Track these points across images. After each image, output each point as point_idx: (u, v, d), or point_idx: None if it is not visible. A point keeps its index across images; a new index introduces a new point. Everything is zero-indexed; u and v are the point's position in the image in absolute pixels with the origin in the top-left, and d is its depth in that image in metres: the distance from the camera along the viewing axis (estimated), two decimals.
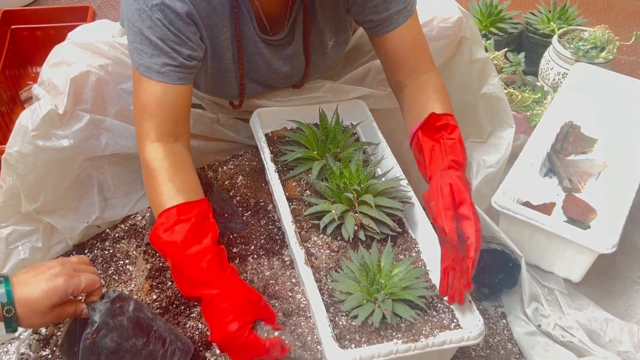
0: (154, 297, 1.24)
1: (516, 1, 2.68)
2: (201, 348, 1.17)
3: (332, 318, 1.08)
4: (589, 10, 2.69)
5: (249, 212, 1.36)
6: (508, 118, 1.61)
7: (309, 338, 1.14)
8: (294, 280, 1.24)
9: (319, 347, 1.13)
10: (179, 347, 1.09)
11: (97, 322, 0.98)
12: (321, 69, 1.43)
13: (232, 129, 1.48)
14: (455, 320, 1.10)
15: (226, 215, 1.33)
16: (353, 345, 1.04)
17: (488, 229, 1.39)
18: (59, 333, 1.24)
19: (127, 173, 1.42)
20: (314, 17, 1.30)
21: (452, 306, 1.12)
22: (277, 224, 1.33)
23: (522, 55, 2.12)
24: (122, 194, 1.43)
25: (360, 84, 1.51)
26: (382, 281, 1.10)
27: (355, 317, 1.07)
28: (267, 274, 1.25)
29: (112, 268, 1.34)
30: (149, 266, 1.28)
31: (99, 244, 1.42)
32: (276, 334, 1.00)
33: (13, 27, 2.22)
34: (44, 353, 1.24)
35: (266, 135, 1.39)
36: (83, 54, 1.31)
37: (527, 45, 2.30)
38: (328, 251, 1.19)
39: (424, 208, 1.20)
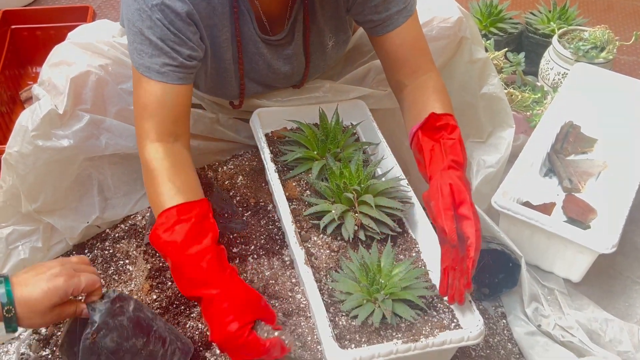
0: (154, 297, 1.23)
1: (516, 1, 2.68)
2: (201, 348, 1.17)
3: (332, 318, 1.08)
4: (589, 10, 2.69)
5: (249, 212, 1.36)
6: (508, 118, 1.61)
7: (309, 338, 1.14)
8: (294, 280, 1.24)
9: (319, 347, 1.13)
10: (179, 347, 1.09)
11: (97, 322, 0.98)
12: (321, 69, 1.43)
13: (232, 129, 1.48)
14: (455, 320, 1.10)
15: (226, 215, 1.33)
16: (353, 345, 1.04)
17: (488, 229, 1.39)
18: (59, 333, 1.24)
19: (127, 173, 1.42)
20: (314, 17, 1.30)
21: (452, 306, 1.12)
22: (277, 224, 1.33)
23: (522, 55, 2.12)
24: (122, 194, 1.43)
25: (360, 84, 1.51)
26: (382, 281, 1.10)
27: (355, 317, 1.07)
28: (267, 274, 1.25)
29: (112, 268, 1.34)
30: (149, 266, 1.28)
31: (99, 244, 1.42)
32: (276, 334, 1.00)
33: (13, 27, 2.22)
34: (44, 353, 1.24)
35: (266, 135, 1.39)
36: (83, 54, 1.31)
37: (527, 45, 2.30)
38: (328, 251, 1.19)
39: (424, 208, 1.20)
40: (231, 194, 1.40)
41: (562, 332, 1.32)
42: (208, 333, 1.20)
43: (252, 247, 1.29)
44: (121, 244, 1.39)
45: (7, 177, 1.31)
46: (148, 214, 1.43)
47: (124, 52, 1.35)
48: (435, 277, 1.16)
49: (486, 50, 1.71)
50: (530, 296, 1.37)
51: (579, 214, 1.53)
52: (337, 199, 1.23)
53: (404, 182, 1.28)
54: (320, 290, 1.10)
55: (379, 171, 1.34)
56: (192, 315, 1.22)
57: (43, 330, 1.27)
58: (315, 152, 1.33)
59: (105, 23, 1.49)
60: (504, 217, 1.45)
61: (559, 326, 1.33)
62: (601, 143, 1.76)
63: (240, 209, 1.36)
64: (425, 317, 1.09)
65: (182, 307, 1.23)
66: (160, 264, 1.28)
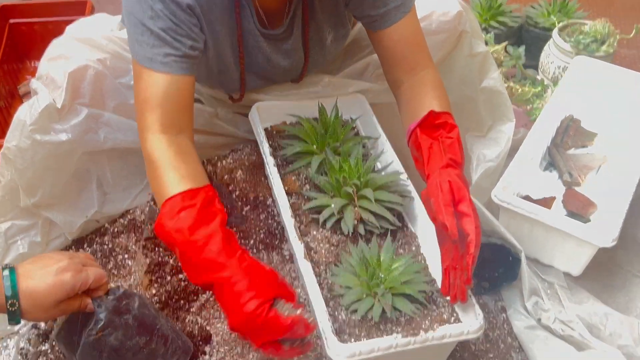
0: (153, 291, 1.23)
1: None
2: (200, 342, 1.17)
3: (331, 312, 1.08)
4: (589, 4, 2.67)
5: (248, 207, 1.35)
6: (508, 112, 1.60)
7: None
8: (293, 275, 1.24)
9: (318, 341, 1.13)
10: (179, 345, 1.09)
11: (103, 320, 0.97)
12: (320, 63, 1.43)
13: (231, 123, 1.48)
14: (455, 315, 1.10)
15: (225, 209, 1.32)
16: (353, 340, 1.04)
17: (488, 223, 1.39)
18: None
19: (126, 167, 1.42)
20: (312, 12, 1.30)
21: None
22: (276, 218, 1.33)
23: (522, 48, 2.12)
24: (121, 188, 1.43)
25: (360, 78, 1.51)
26: (382, 275, 1.10)
27: (355, 311, 1.07)
28: None
29: (112, 263, 1.34)
30: (148, 260, 1.28)
31: (98, 238, 1.42)
32: (298, 312, 0.95)
33: (11, 21, 2.22)
34: (43, 348, 1.24)
35: (265, 129, 1.39)
36: (81, 48, 1.30)
37: (527, 39, 2.30)
38: (327, 245, 1.19)
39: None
40: (230, 188, 1.39)
41: (562, 326, 1.32)
42: (207, 327, 1.20)
43: (252, 242, 1.29)
44: (120, 239, 1.39)
45: (5, 171, 1.30)
46: (147, 209, 1.42)
47: (123, 46, 1.34)
48: (434, 272, 1.16)
49: (486, 44, 1.71)
50: (530, 290, 1.37)
51: (579, 208, 1.53)
52: (337, 193, 1.23)
53: (404, 176, 1.28)
54: (319, 284, 1.10)
55: (379, 165, 1.34)
56: (191, 309, 1.22)
57: (42, 324, 1.27)
58: (315, 147, 1.32)
59: (104, 17, 1.48)
60: (503, 211, 1.45)
61: (559, 320, 1.33)
62: (601, 137, 1.75)
63: (239, 203, 1.35)
64: (425, 311, 1.09)
65: (182, 301, 1.23)
66: (160, 259, 1.27)
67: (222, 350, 1.16)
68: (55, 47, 1.32)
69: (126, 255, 1.36)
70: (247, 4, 1.21)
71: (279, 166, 1.31)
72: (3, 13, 2.19)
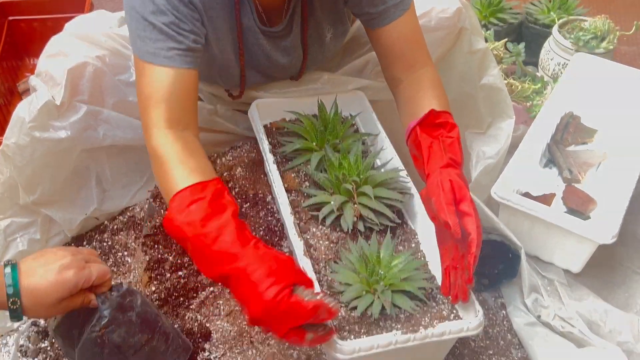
0: (153, 288, 1.23)
1: None
2: (200, 339, 1.17)
3: None
4: (589, 0, 2.67)
5: (248, 204, 1.35)
6: (508, 109, 1.60)
7: None
8: None
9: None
10: (180, 344, 1.09)
11: (107, 317, 0.96)
12: (319, 61, 1.43)
13: (230, 120, 1.48)
14: (454, 311, 1.10)
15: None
16: (352, 336, 1.04)
17: (488, 220, 1.39)
18: None
19: (125, 165, 1.41)
20: (312, 10, 1.29)
21: None
22: (276, 215, 1.33)
23: (522, 45, 2.11)
24: (121, 185, 1.43)
25: (359, 75, 1.51)
26: (382, 272, 1.10)
27: (355, 308, 1.07)
28: None
29: (111, 260, 1.34)
30: (147, 258, 1.28)
31: (97, 235, 1.42)
32: (318, 297, 0.93)
33: (10, 18, 2.21)
34: (42, 345, 1.24)
35: (265, 126, 1.39)
36: (80, 44, 1.30)
37: (527, 36, 2.29)
38: (327, 242, 1.19)
39: None
40: (230, 185, 1.39)
41: (561, 322, 1.32)
42: (207, 324, 1.20)
43: None
44: (120, 236, 1.39)
45: (4, 168, 1.30)
46: (147, 206, 1.42)
47: (122, 43, 1.34)
48: (434, 268, 1.16)
49: (486, 41, 1.70)
50: (530, 287, 1.37)
51: (579, 205, 1.53)
52: (336, 190, 1.23)
53: (403, 173, 1.28)
54: (319, 281, 1.10)
55: (378, 162, 1.34)
56: (191, 306, 1.22)
57: (42, 322, 1.27)
58: (314, 143, 1.32)
59: (103, 14, 1.48)
60: (503, 208, 1.45)
61: (558, 317, 1.33)
62: (601, 133, 1.75)
63: (239, 200, 1.35)
64: (425, 308, 1.09)
65: (181, 298, 1.23)
66: (159, 256, 1.27)
67: (222, 347, 1.16)
68: (54, 44, 1.32)
69: (125, 253, 1.36)
70: (247, 1, 1.21)
71: (278, 163, 1.30)
72: (2, 10, 2.19)
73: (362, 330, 1.05)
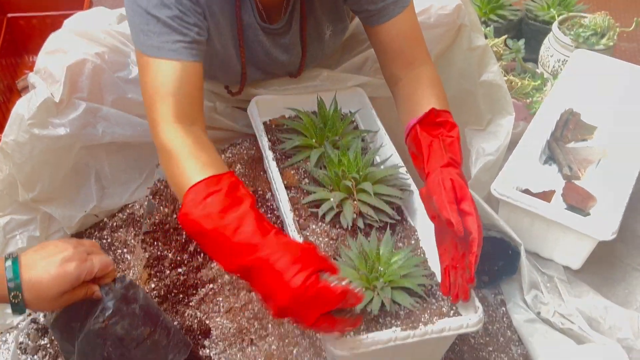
0: (152, 285, 1.23)
1: None
2: (200, 336, 1.17)
3: None
4: None
5: None
6: (507, 105, 1.60)
7: None
8: None
9: (318, 335, 1.13)
10: (180, 339, 1.08)
11: (111, 309, 0.94)
12: (319, 58, 1.42)
13: (230, 117, 1.47)
14: (454, 308, 1.10)
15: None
16: (352, 333, 1.04)
17: (487, 217, 1.39)
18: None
19: (125, 162, 1.41)
20: (311, 7, 1.29)
21: None
22: (275, 212, 1.33)
23: (521, 42, 2.11)
24: (120, 182, 1.43)
25: (358, 72, 1.50)
26: (381, 269, 1.10)
27: None
28: None
29: (110, 257, 1.34)
30: (147, 255, 1.28)
31: (97, 233, 1.42)
32: (344, 282, 0.90)
33: (9, 15, 2.21)
34: (42, 342, 1.24)
35: (264, 123, 1.39)
36: (79, 41, 1.30)
37: (527, 32, 2.29)
38: (327, 239, 1.19)
39: None
40: None
41: (561, 319, 1.32)
42: (207, 322, 1.20)
43: None
44: (119, 233, 1.39)
45: (3, 166, 1.30)
46: (146, 203, 1.42)
47: (121, 40, 1.34)
48: (434, 265, 1.16)
49: (485, 38, 1.70)
50: (529, 283, 1.37)
51: (578, 202, 1.53)
52: (336, 187, 1.23)
53: (403, 170, 1.28)
54: None
55: (378, 159, 1.34)
56: (190, 303, 1.22)
57: (42, 319, 1.27)
58: (314, 140, 1.32)
59: (102, 11, 1.48)
60: (503, 205, 1.45)
61: (558, 313, 1.33)
62: (601, 130, 1.75)
63: None
64: (424, 305, 1.09)
65: (181, 295, 1.23)
66: (159, 253, 1.27)
67: (221, 344, 1.16)
68: (53, 41, 1.32)
69: (125, 250, 1.36)
70: None
71: (277, 160, 1.30)
72: (1, 7, 2.19)
73: (362, 327, 1.05)
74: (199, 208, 0.95)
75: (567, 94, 1.75)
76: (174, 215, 1.29)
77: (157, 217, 1.30)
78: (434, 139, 1.15)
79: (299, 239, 1.12)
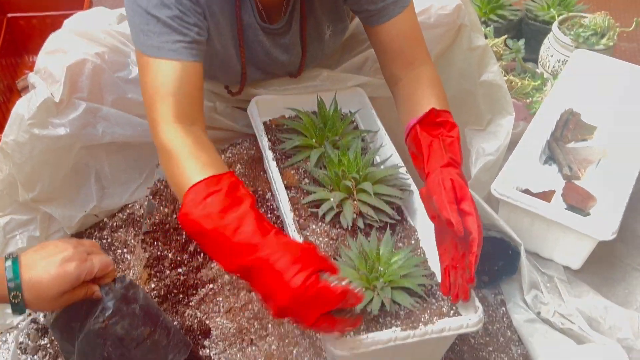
0: (152, 285, 1.23)
1: None
2: (200, 337, 1.17)
3: None
4: None
5: None
6: (507, 105, 1.60)
7: None
8: None
9: (318, 335, 1.13)
10: (180, 339, 1.08)
11: (111, 308, 0.94)
12: (319, 58, 1.42)
13: (230, 117, 1.47)
14: (454, 308, 1.10)
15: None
16: (352, 333, 1.04)
17: (487, 217, 1.39)
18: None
19: (125, 162, 1.41)
20: (311, 7, 1.29)
21: None
22: (275, 212, 1.33)
23: (521, 42, 2.11)
24: (120, 182, 1.43)
25: (358, 72, 1.50)
26: (381, 269, 1.10)
27: None
28: None
29: (110, 257, 1.34)
30: (147, 255, 1.28)
31: (97, 233, 1.42)
32: (344, 283, 0.90)
33: (9, 15, 2.21)
34: (42, 342, 1.24)
35: (264, 123, 1.39)
36: (79, 41, 1.30)
37: (527, 32, 2.29)
38: (327, 239, 1.19)
39: None
40: None
41: (561, 319, 1.32)
42: (207, 322, 1.20)
43: None
44: (119, 233, 1.39)
45: (3, 166, 1.30)
46: (146, 203, 1.42)
47: (121, 40, 1.34)
48: (434, 265, 1.16)
49: (485, 38, 1.70)
50: (529, 283, 1.37)
51: (578, 202, 1.53)
52: (336, 187, 1.23)
53: (403, 170, 1.28)
54: None
55: (378, 159, 1.34)
56: (190, 304, 1.22)
57: (42, 319, 1.27)
58: (314, 140, 1.32)
59: (102, 11, 1.48)
60: (503, 205, 1.45)
61: (558, 313, 1.33)
62: (601, 130, 1.75)
63: None
64: (424, 305, 1.09)
65: (181, 295, 1.23)
66: (159, 253, 1.27)
67: (221, 344, 1.16)
68: (53, 41, 1.32)
69: (125, 250, 1.36)
70: None
71: (277, 160, 1.30)
72: (1, 7, 2.19)
73: (362, 327, 1.05)
74: (199, 208, 0.95)
75: (567, 94, 1.75)
76: (174, 215, 1.29)
77: (157, 217, 1.30)
78: (434, 139, 1.15)
79: (299, 239, 1.12)
